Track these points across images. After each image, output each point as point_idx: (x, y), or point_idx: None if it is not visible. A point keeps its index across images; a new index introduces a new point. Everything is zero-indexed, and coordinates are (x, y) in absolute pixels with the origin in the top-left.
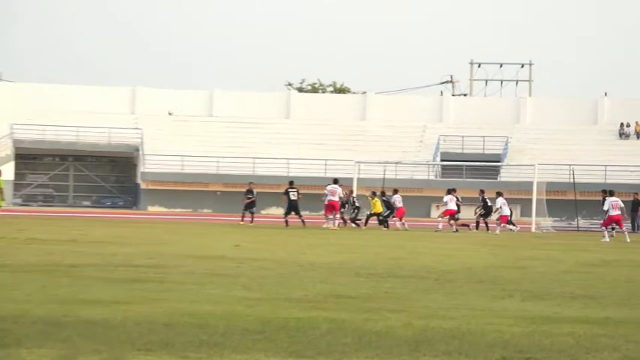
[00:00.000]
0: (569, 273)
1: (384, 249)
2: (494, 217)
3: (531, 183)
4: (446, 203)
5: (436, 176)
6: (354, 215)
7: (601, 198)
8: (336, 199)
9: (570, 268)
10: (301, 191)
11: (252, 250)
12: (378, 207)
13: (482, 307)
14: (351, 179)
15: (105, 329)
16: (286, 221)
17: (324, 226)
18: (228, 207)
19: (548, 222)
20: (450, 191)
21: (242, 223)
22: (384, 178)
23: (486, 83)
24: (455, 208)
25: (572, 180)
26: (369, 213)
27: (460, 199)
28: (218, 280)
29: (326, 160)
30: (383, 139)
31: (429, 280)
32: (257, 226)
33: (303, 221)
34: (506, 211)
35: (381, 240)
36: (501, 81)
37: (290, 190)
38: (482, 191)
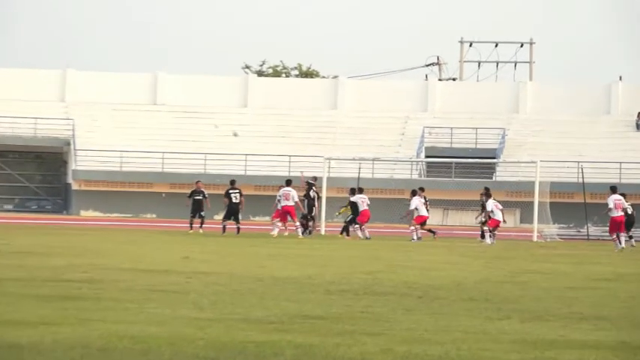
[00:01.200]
0: (578, 289)
1: (358, 261)
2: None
3: (532, 183)
4: (416, 209)
5: (420, 175)
6: (306, 214)
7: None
8: (291, 203)
9: (578, 284)
10: (261, 193)
11: (203, 263)
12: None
13: (474, 329)
14: (320, 179)
15: (32, 354)
16: (224, 227)
17: (272, 233)
18: (176, 211)
19: (552, 229)
20: (415, 192)
21: (191, 231)
22: (358, 178)
23: (479, 65)
24: (426, 213)
25: (580, 179)
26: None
27: (427, 199)
28: (163, 298)
29: (290, 156)
30: (357, 131)
31: (412, 297)
32: (209, 234)
33: (238, 228)
34: (499, 216)
35: (354, 251)
36: (497, 63)
37: (231, 191)
38: (486, 191)
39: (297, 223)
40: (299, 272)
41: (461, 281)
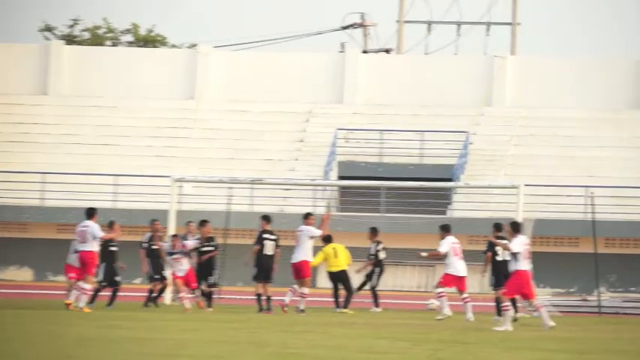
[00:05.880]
0: None
1: (227, 348)
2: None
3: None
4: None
5: (330, 208)
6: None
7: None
8: (92, 248)
9: None
10: (70, 237)
11: None
12: (342, 259)
13: None
14: (166, 212)
15: None
16: None
17: (70, 299)
18: None
19: (543, 296)
20: (307, 216)
21: None
22: (228, 212)
23: (429, 28)
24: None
25: (590, 215)
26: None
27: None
28: None
29: (117, 175)
30: (228, 135)
31: None
32: None
33: None
34: (460, 268)
35: (223, 332)
36: (458, 24)
37: None
38: (371, 231)
39: (86, 286)
40: None
41: None
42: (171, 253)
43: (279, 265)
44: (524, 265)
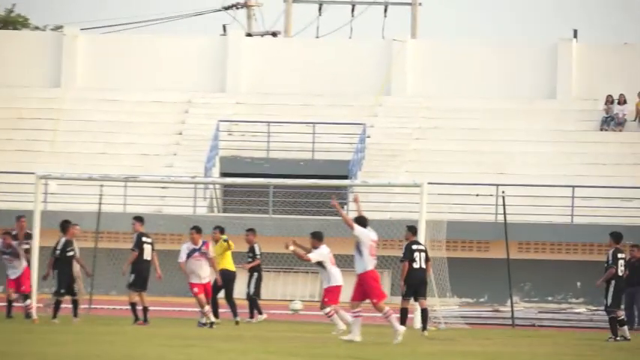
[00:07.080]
0: None
1: None
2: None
3: (415, 223)
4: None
5: (212, 208)
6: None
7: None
8: None
9: None
10: None
11: None
12: (227, 258)
13: None
14: (30, 212)
15: None
16: None
17: None
18: None
19: (451, 307)
20: (196, 230)
21: None
22: (99, 213)
23: (320, 10)
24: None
25: (501, 217)
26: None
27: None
28: None
29: None
30: (99, 127)
31: None
32: None
33: None
34: (339, 277)
35: (92, 343)
36: (352, 5)
37: None
38: (251, 232)
39: None
40: None
41: None
42: (3, 253)
43: (161, 272)
44: (372, 264)
